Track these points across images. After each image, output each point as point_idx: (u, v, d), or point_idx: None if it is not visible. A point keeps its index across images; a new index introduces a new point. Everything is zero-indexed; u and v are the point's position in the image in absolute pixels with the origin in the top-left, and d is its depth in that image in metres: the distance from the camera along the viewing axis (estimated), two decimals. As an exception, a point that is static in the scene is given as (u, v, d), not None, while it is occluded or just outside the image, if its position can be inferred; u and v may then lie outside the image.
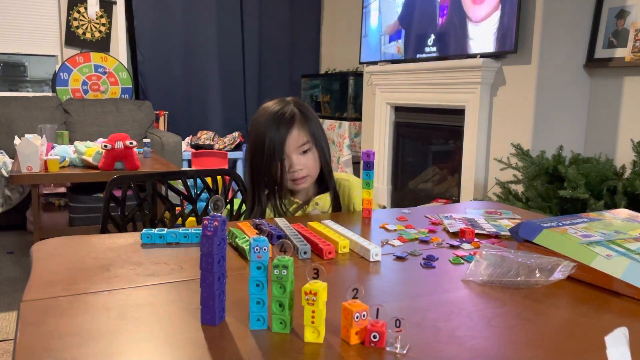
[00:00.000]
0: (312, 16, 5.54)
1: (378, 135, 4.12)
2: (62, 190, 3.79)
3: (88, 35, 4.60)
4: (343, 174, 1.45)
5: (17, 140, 2.81)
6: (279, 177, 1.30)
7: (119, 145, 2.65)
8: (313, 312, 0.61)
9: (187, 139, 4.89)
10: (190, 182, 1.59)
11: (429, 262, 0.92)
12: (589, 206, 2.20)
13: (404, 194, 3.97)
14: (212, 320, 0.66)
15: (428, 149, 3.91)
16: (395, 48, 3.89)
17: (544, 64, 2.85)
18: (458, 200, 3.37)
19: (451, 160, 3.62)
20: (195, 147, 4.81)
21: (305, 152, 1.31)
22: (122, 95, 4.72)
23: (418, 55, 3.65)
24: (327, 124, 4.78)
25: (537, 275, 0.80)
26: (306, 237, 0.99)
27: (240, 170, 4.85)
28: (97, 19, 4.60)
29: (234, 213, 1.58)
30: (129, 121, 4.44)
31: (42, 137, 2.88)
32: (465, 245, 1.03)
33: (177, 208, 1.56)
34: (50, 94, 4.57)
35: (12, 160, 3.26)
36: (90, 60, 4.59)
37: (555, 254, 0.86)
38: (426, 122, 3.74)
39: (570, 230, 0.91)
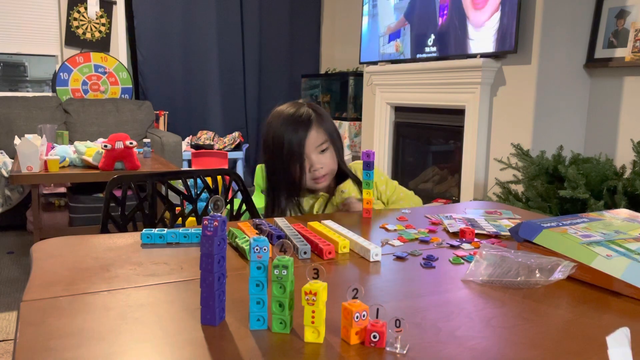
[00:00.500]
0: (312, 16, 5.54)
1: (378, 135, 4.12)
2: (62, 190, 3.79)
3: (88, 35, 4.60)
4: (358, 162, 1.49)
5: (17, 140, 2.81)
6: (298, 178, 1.34)
7: (119, 145, 2.65)
8: (313, 312, 0.61)
9: (187, 139, 4.89)
10: (190, 182, 1.59)
11: (429, 262, 0.92)
12: (589, 206, 2.20)
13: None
14: (212, 320, 0.66)
15: (428, 149, 3.91)
16: (395, 48, 3.89)
17: (544, 64, 2.85)
18: (458, 200, 3.37)
19: (451, 160, 3.62)
20: (195, 147, 4.81)
21: (323, 151, 1.35)
22: (122, 95, 4.72)
23: (418, 55, 3.65)
24: (327, 124, 4.78)
25: (537, 275, 0.80)
26: (306, 237, 0.99)
27: (240, 170, 4.85)
28: (97, 19, 4.60)
29: (234, 213, 1.58)
30: (129, 121, 4.44)
31: (42, 137, 2.89)
32: (465, 245, 1.03)
33: (177, 208, 1.56)
34: (50, 94, 4.57)
35: (12, 160, 3.27)
36: (90, 60, 4.59)
37: (555, 254, 0.86)
38: (426, 122, 3.74)
39: (570, 230, 0.91)
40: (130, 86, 4.76)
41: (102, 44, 4.66)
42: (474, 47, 3.16)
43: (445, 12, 3.40)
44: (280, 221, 1.11)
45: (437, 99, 3.50)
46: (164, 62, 4.92)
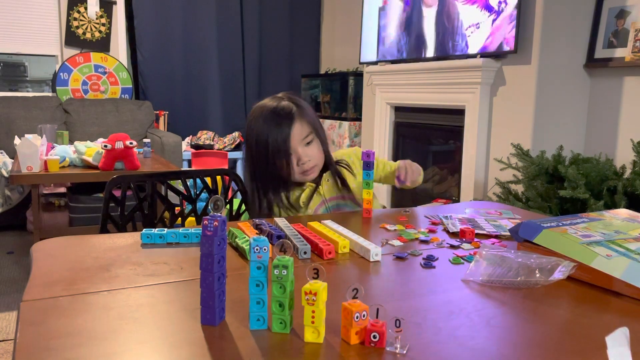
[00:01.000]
0: (312, 16, 5.54)
1: (378, 135, 4.12)
2: (62, 190, 3.79)
3: (88, 35, 4.60)
4: (344, 150, 1.50)
5: (17, 140, 2.81)
6: (286, 174, 1.33)
7: (119, 145, 2.65)
8: (313, 312, 0.61)
9: (187, 139, 4.89)
10: (190, 182, 1.59)
11: (429, 262, 0.92)
12: (589, 206, 2.20)
13: (404, 194, 3.97)
14: (212, 320, 0.66)
15: (428, 149, 3.91)
16: (395, 48, 3.89)
17: (544, 64, 2.85)
18: (458, 200, 3.37)
19: (451, 160, 3.62)
20: (195, 147, 4.81)
21: (308, 143, 1.34)
22: (122, 95, 4.72)
23: (418, 55, 3.65)
24: (327, 124, 4.78)
25: (537, 275, 0.80)
26: (306, 237, 0.99)
27: (240, 170, 4.85)
28: (97, 19, 4.60)
29: (234, 213, 1.58)
30: (129, 121, 4.44)
31: (42, 137, 2.89)
32: (465, 245, 1.03)
33: (176, 208, 1.56)
34: (50, 94, 4.57)
35: (12, 160, 3.27)
36: (90, 60, 4.59)
37: (555, 254, 0.86)
38: (426, 122, 3.74)
39: (570, 230, 0.91)
40: (130, 86, 4.76)
41: (102, 44, 4.66)
42: (474, 47, 3.16)
43: (445, 12, 3.39)
44: (280, 221, 1.11)
45: (437, 99, 3.50)
46: (164, 62, 4.92)
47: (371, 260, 0.93)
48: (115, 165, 2.72)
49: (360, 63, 4.34)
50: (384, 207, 4.02)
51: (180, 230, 1.01)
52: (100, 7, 4.61)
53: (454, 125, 3.41)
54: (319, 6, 5.56)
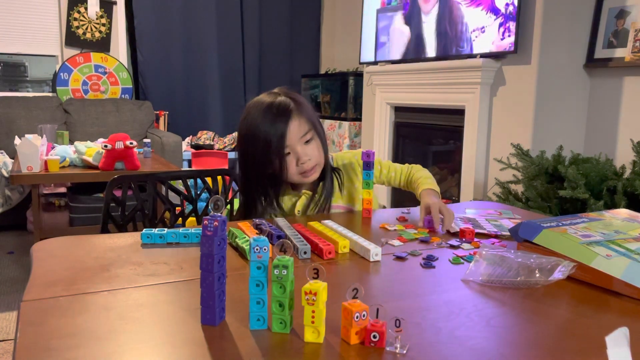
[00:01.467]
0: (312, 16, 5.54)
1: (378, 135, 4.12)
2: (62, 190, 3.79)
3: (88, 35, 4.60)
4: (343, 154, 1.42)
5: (17, 140, 2.81)
6: (280, 175, 1.25)
7: (119, 145, 2.65)
8: (313, 312, 0.61)
9: (187, 139, 4.89)
10: (190, 182, 1.59)
11: (429, 262, 0.92)
12: (589, 206, 2.20)
13: (404, 194, 3.96)
14: (212, 320, 0.66)
15: (428, 149, 3.91)
16: (395, 49, 3.89)
17: (544, 64, 2.85)
18: (458, 200, 3.36)
19: (451, 160, 3.62)
20: (195, 147, 4.81)
21: (308, 142, 1.26)
22: (122, 95, 4.72)
23: (418, 56, 3.65)
24: (327, 124, 4.78)
25: (537, 275, 0.80)
26: (306, 237, 0.99)
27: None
28: (97, 19, 4.60)
29: (234, 213, 1.58)
30: (129, 121, 4.44)
31: (42, 137, 2.88)
32: (465, 245, 1.03)
33: (177, 208, 1.56)
34: (50, 94, 4.57)
35: (12, 160, 3.27)
36: (90, 60, 4.59)
37: (555, 254, 0.86)
38: (426, 122, 3.74)
39: (570, 230, 0.91)
40: (130, 86, 4.76)
41: (102, 44, 4.66)
42: (474, 47, 3.16)
43: (445, 11, 3.39)
44: (281, 221, 1.11)
45: (437, 99, 3.50)
46: (164, 62, 4.92)
47: (371, 260, 0.93)
48: (116, 165, 2.72)
49: (360, 63, 4.34)
50: (384, 207, 4.02)
51: (181, 230, 1.01)
52: (100, 7, 4.61)
53: (454, 125, 3.41)
54: (319, 6, 5.56)
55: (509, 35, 2.90)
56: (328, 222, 1.11)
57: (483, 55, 3.08)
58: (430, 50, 3.54)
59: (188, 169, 4.50)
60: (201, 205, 1.66)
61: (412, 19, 3.70)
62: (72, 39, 4.57)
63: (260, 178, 1.26)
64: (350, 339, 0.61)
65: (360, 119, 4.51)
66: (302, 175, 1.27)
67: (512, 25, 2.88)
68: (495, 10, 3.00)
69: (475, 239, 1.07)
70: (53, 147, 2.95)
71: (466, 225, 1.14)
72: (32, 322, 0.66)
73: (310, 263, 0.92)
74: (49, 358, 0.58)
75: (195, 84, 5.08)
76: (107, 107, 4.44)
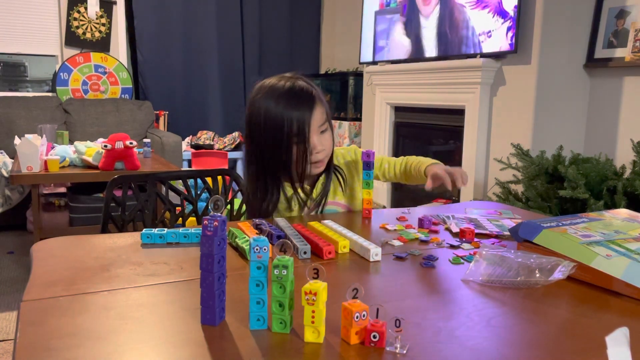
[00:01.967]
0: (312, 16, 5.54)
1: (378, 135, 4.12)
2: (62, 190, 3.79)
3: (88, 35, 4.60)
4: (346, 150, 1.39)
5: (17, 140, 2.81)
6: (301, 161, 1.19)
7: (119, 145, 2.65)
8: (313, 312, 0.61)
9: (187, 139, 4.89)
10: (190, 182, 1.59)
11: (429, 262, 0.92)
12: (589, 206, 2.20)
13: (404, 194, 3.97)
14: (212, 320, 0.66)
15: (428, 149, 3.91)
16: (394, 49, 3.89)
17: (544, 64, 2.85)
18: (458, 200, 3.37)
19: (451, 160, 3.62)
20: (195, 147, 4.81)
21: (323, 132, 1.22)
22: (122, 95, 4.72)
23: (418, 56, 3.65)
24: (327, 124, 4.78)
25: (537, 275, 0.80)
26: (306, 237, 0.99)
27: (240, 170, 4.85)
28: (97, 19, 4.60)
29: (234, 213, 1.58)
30: (129, 121, 4.44)
31: (42, 137, 2.89)
32: (465, 245, 1.03)
33: (177, 208, 1.56)
34: (50, 94, 4.57)
35: (12, 160, 3.26)
36: (90, 60, 4.59)
37: (555, 254, 0.86)
38: (426, 122, 3.74)
39: (570, 230, 0.91)
40: (130, 86, 4.76)
41: (102, 44, 4.66)
42: (474, 47, 3.16)
43: (445, 12, 3.39)
44: (281, 221, 1.11)
45: (437, 99, 3.50)
46: (164, 62, 4.92)
47: (371, 260, 0.93)
48: (115, 165, 2.72)
49: (360, 63, 4.34)
50: (384, 207, 4.02)
51: (181, 230, 1.01)
52: (100, 7, 4.61)
53: (454, 125, 3.41)
54: (319, 6, 5.56)
55: (509, 35, 2.89)
56: (328, 222, 1.11)
57: (483, 55, 3.08)
58: (430, 50, 3.54)
59: (188, 169, 4.51)
60: (201, 205, 1.66)
61: (412, 21, 3.70)
62: (72, 39, 4.57)
63: (275, 165, 1.20)
64: (350, 339, 0.61)
65: (360, 119, 4.51)
66: (314, 166, 1.23)
67: (512, 25, 2.87)
68: (495, 10, 3.00)
69: (475, 239, 1.07)
70: (53, 147, 2.95)
71: (467, 225, 1.14)
72: (32, 322, 0.66)
73: (310, 263, 0.92)
74: (49, 358, 0.58)
75: (195, 84, 5.08)
76: (107, 107, 4.44)
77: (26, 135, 2.83)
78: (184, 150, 4.53)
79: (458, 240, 1.07)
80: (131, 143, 2.68)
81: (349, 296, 0.62)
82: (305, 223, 1.12)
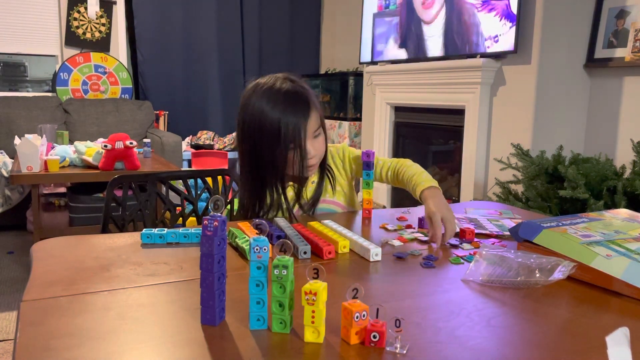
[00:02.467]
0: (312, 16, 5.54)
1: (378, 135, 4.12)
2: (62, 190, 3.79)
3: (88, 35, 4.60)
4: (332, 147, 1.37)
5: (17, 140, 2.81)
6: (295, 166, 1.18)
7: (119, 145, 2.65)
8: (313, 312, 0.61)
9: (187, 139, 4.89)
10: (190, 182, 1.59)
11: (429, 262, 0.92)
12: (589, 206, 2.20)
13: (404, 194, 3.96)
14: (212, 320, 0.66)
15: (428, 149, 3.91)
16: (395, 48, 3.89)
17: (544, 64, 2.85)
18: (458, 200, 3.37)
19: (451, 160, 3.62)
20: (195, 147, 4.81)
21: (316, 136, 1.21)
22: (122, 95, 4.72)
23: (418, 56, 3.65)
24: (327, 124, 4.78)
25: (537, 275, 0.80)
26: (306, 237, 0.99)
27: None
28: (97, 19, 4.60)
29: (234, 213, 1.58)
30: (129, 121, 4.44)
31: (42, 137, 2.89)
32: (465, 245, 1.03)
33: (177, 208, 1.56)
34: (50, 94, 4.57)
35: (12, 160, 3.26)
36: (90, 60, 4.59)
37: (555, 254, 0.86)
38: (426, 122, 3.74)
39: (570, 230, 0.91)
40: (130, 86, 4.76)
41: (102, 44, 4.66)
42: (474, 47, 3.16)
43: (444, 11, 3.39)
44: (281, 221, 1.11)
45: (437, 99, 3.50)
46: (164, 62, 4.92)
47: (371, 260, 0.93)
48: (115, 165, 2.72)
49: (360, 63, 4.34)
50: (384, 207, 4.02)
51: (181, 230, 1.01)
52: (100, 7, 4.61)
53: (454, 125, 3.41)
54: (319, 6, 5.56)
55: (509, 35, 2.89)
56: (328, 222, 1.11)
57: (483, 55, 3.08)
58: (430, 50, 3.54)
59: (188, 169, 4.51)
60: (201, 205, 1.66)
61: (411, 23, 3.70)
62: (72, 38, 4.57)
63: (269, 170, 1.19)
64: (350, 339, 0.61)
65: (360, 119, 4.51)
66: (306, 170, 1.22)
67: (512, 25, 2.87)
68: (495, 10, 3.00)
69: (475, 239, 1.07)
70: (53, 147, 2.95)
71: (467, 225, 1.14)
72: (32, 322, 0.66)
73: (310, 263, 0.92)
74: (48, 358, 0.58)
75: (195, 84, 5.08)
76: (107, 107, 4.44)
77: (26, 135, 2.83)
78: (184, 150, 4.53)
79: (458, 240, 1.07)
80: (131, 143, 2.68)
81: (349, 296, 0.62)
82: (305, 223, 1.12)
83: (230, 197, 1.62)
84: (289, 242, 0.66)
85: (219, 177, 1.63)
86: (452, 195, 3.52)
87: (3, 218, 3.48)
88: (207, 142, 4.83)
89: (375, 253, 0.93)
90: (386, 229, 1.15)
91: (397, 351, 0.60)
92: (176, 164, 3.87)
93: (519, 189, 2.68)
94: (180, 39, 4.97)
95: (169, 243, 1.00)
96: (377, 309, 0.62)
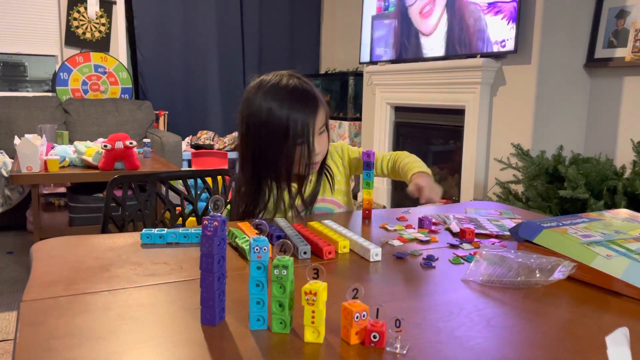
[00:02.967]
0: (312, 16, 5.54)
1: (378, 135, 4.12)
2: (62, 190, 3.79)
3: (88, 35, 4.60)
4: (330, 145, 1.36)
5: (17, 140, 2.81)
6: (301, 163, 1.17)
7: (119, 145, 2.65)
8: (313, 312, 0.61)
9: (187, 139, 4.89)
10: (190, 182, 1.59)
11: (429, 262, 0.92)
12: (589, 206, 2.20)
13: (404, 194, 3.97)
14: (212, 320, 0.66)
15: (428, 149, 3.91)
16: (395, 48, 3.89)
17: (544, 64, 2.85)
18: (458, 200, 3.36)
19: (451, 160, 3.62)
20: (195, 147, 4.81)
21: (321, 133, 1.21)
22: (122, 95, 4.72)
23: (418, 55, 3.65)
24: (327, 124, 4.78)
25: (537, 275, 0.80)
26: (306, 237, 0.99)
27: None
28: (97, 19, 4.60)
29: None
30: (129, 121, 4.44)
31: (42, 137, 2.89)
32: (465, 245, 1.03)
33: (177, 208, 1.56)
34: (50, 94, 4.57)
35: (12, 160, 3.26)
36: (90, 60, 4.59)
37: (555, 254, 0.86)
38: (426, 122, 3.74)
39: (570, 230, 0.91)
40: (130, 86, 4.76)
41: (102, 44, 4.66)
42: (474, 47, 3.16)
43: (444, 11, 3.39)
44: (281, 221, 1.11)
45: (437, 98, 3.50)
46: (164, 62, 4.92)
47: (371, 260, 0.93)
48: (115, 165, 2.72)
49: (360, 63, 4.34)
50: (384, 207, 4.02)
51: (180, 230, 1.01)
52: (100, 7, 4.61)
53: (454, 125, 3.41)
54: (319, 6, 5.56)
55: (510, 35, 2.89)
56: (328, 222, 1.11)
57: (483, 55, 3.08)
58: (430, 51, 3.54)
59: (188, 169, 4.51)
60: (201, 205, 1.66)
61: (410, 24, 3.70)
62: (71, 38, 4.57)
63: (272, 165, 1.18)
64: (350, 339, 0.61)
65: (360, 119, 4.51)
66: (312, 167, 1.21)
67: (512, 25, 2.87)
68: (495, 10, 3.00)
69: (475, 239, 1.07)
70: (53, 147, 2.95)
71: (467, 225, 1.14)
72: (32, 322, 0.66)
73: (310, 263, 0.92)
74: (48, 358, 0.58)
75: (195, 84, 5.08)
76: (106, 107, 4.44)
77: (26, 135, 2.83)
78: (184, 150, 4.53)
79: (458, 240, 1.07)
80: (131, 143, 2.68)
81: (349, 296, 0.62)
82: (305, 223, 1.12)
83: (230, 197, 1.62)
84: (289, 242, 0.66)
85: (219, 177, 1.63)
86: (452, 195, 3.52)
87: (3, 218, 3.48)
88: (207, 142, 4.83)
89: (375, 253, 0.93)
90: (386, 229, 1.15)
91: (397, 351, 0.60)
92: (176, 164, 3.87)
93: (519, 189, 2.68)
94: (180, 39, 4.97)
95: (169, 243, 1.00)
96: (377, 309, 0.62)
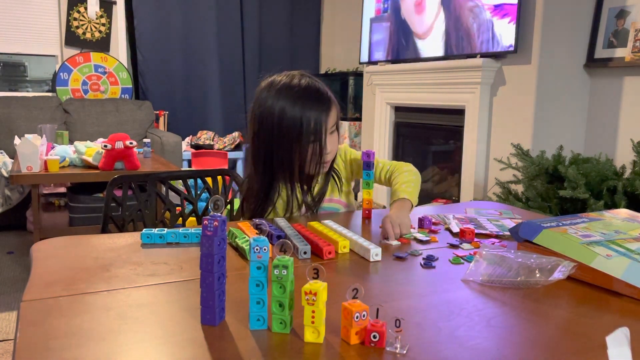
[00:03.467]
0: (312, 16, 5.54)
1: (378, 135, 4.12)
2: (62, 190, 3.79)
3: (88, 35, 4.60)
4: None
5: (17, 140, 2.81)
6: (313, 162, 1.17)
7: (119, 145, 2.64)
8: (313, 312, 0.61)
9: (187, 139, 4.89)
10: (190, 182, 1.59)
11: (429, 262, 0.92)
12: (589, 206, 2.20)
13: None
14: (212, 320, 0.66)
15: (428, 149, 3.91)
16: (395, 48, 3.89)
17: (544, 64, 2.85)
18: (458, 200, 3.37)
19: (451, 160, 3.62)
20: (195, 147, 4.81)
21: (332, 132, 1.21)
22: (122, 95, 4.72)
23: (418, 56, 3.65)
24: (327, 124, 4.78)
25: (537, 275, 0.80)
26: (306, 237, 0.99)
27: (240, 170, 4.85)
28: (97, 19, 4.60)
29: (234, 213, 1.58)
30: (129, 121, 4.44)
31: (42, 137, 2.88)
32: (465, 245, 1.03)
33: (177, 208, 1.56)
34: (50, 94, 4.57)
35: (12, 160, 3.26)
36: (90, 60, 4.59)
37: (555, 254, 0.86)
38: (426, 122, 3.74)
39: (570, 230, 0.91)
40: (130, 86, 4.76)
41: (102, 44, 4.66)
42: (474, 47, 3.16)
43: (444, 11, 3.39)
44: (281, 221, 1.11)
45: (437, 99, 3.50)
46: (164, 62, 4.92)
47: (371, 260, 0.93)
48: (115, 165, 2.72)
49: (360, 63, 4.34)
50: (384, 207, 4.02)
51: (181, 230, 1.01)
52: (100, 7, 4.60)
53: (454, 125, 3.41)
54: (319, 6, 5.56)
55: (509, 35, 2.89)
56: (328, 222, 1.11)
57: (483, 55, 3.08)
58: (430, 51, 3.54)
59: (188, 169, 4.51)
60: (201, 205, 1.66)
61: (413, 18, 3.70)
62: (71, 38, 4.56)
63: (284, 164, 1.18)
64: (350, 339, 0.61)
65: (360, 119, 4.51)
66: (323, 166, 1.21)
67: (512, 25, 2.87)
68: (495, 10, 3.00)
69: (475, 239, 1.07)
70: (53, 147, 2.95)
71: (467, 225, 1.14)
72: (32, 322, 0.66)
73: (310, 263, 0.92)
74: (48, 358, 0.58)
75: (195, 84, 5.08)
76: (107, 107, 4.44)
77: (26, 135, 2.83)
78: (184, 150, 4.53)
79: (458, 240, 1.07)
80: (131, 143, 2.68)
81: (349, 296, 0.62)
82: (305, 223, 1.12)
83: (230, 197, 1.62)
84: (289, 242, 0.66)
85: (219, 177, 1.63)
86: (452, 195, 3.52)
87: (3, 218, 3.48)
88: (207, 142, 4.83)
89: (375, 253, 0.93)
90: (386, 229, 1.14)
91: (397, 351, 0.60)
92: (176, 164, 3.87)
93: (519, 189, 2.68)
94: (180, 39, 4.97)
95: (169, 243, 1.00)
96: (377, 309, 0.62)
